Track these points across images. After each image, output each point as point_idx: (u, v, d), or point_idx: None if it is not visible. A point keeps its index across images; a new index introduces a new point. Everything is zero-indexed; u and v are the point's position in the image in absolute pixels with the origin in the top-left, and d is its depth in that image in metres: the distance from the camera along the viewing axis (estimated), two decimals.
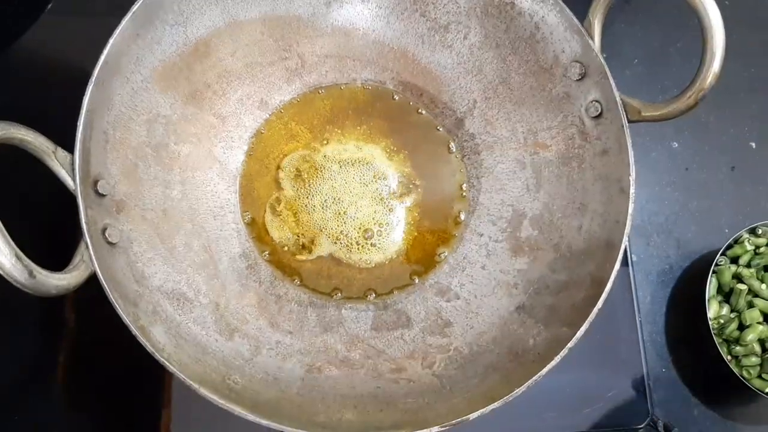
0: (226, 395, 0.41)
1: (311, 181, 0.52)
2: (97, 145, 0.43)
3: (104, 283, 0.40)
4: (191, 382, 0.40)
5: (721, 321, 0.51)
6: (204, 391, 0.40)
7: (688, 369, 0.54)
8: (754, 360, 0.50)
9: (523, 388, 0.39)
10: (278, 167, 0.52)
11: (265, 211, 0.51)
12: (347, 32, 0.52)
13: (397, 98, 0.54)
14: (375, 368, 0.47)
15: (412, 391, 0.45)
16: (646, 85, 0.61)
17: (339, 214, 0.51)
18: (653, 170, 0.59)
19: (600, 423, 0.52)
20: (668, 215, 0.58)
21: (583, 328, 0.40)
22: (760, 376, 0.50)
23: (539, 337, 0.44)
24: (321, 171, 0.52)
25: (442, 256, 0.52)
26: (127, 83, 0.44)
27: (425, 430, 0.39)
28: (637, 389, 0.53)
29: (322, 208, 0.52)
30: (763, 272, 0.52)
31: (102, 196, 0.43)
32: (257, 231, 0.51)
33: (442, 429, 0.39)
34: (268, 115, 0.53)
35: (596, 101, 0.45)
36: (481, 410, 0.39)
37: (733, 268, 0.52)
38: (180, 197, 0.49)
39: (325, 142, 0.53)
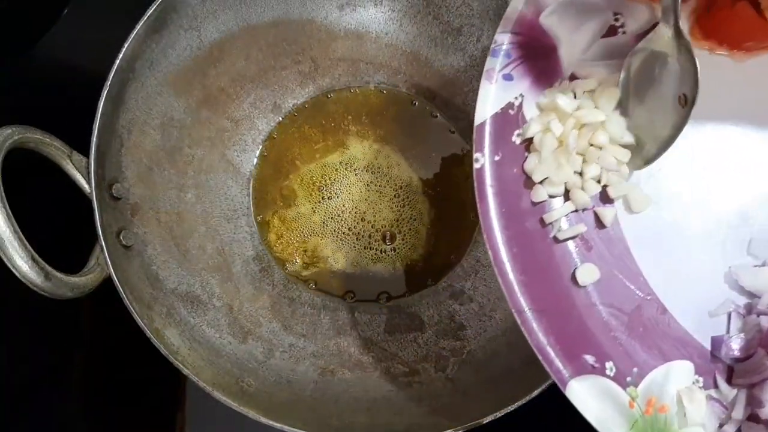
0: (239, 398, 0.41)
1: (325, 185, 0.52)
2: (112, 149, 0.43)
3: (119, 286, 0.40)
4: (205, 385, 0.40)
5: None
6: (218, 394, 0.40)
7: None
8: None
9: (536, 392, 0.39)
10: (292, 170, 0.52)
11: (277, 215, 0.52)
12: (360, 35, 0.52)
13: (410, 101, 0.53)
14: (388, 371, 0.47)
15: (426, 394, 0.45)
16: None
17: (356, 219, 0.51)
18: None
19: None
20: None
21: None
22: None
23: None
24: (335, 175, 0.52)
25: (455, 259, 0.51)
26: (142, 87, 0.45)
27: None
28: None
29: (336, 214, 0.52)
30: None
31: (117, 199, 0.43)
32: (270, 235, 0.51)
33: None
34: (281, 119, 0.53)
35: None
36: (494, 414, 0.39)
37: None
38: (194, 200, 0.49)
39: (338, 145, 0.53)
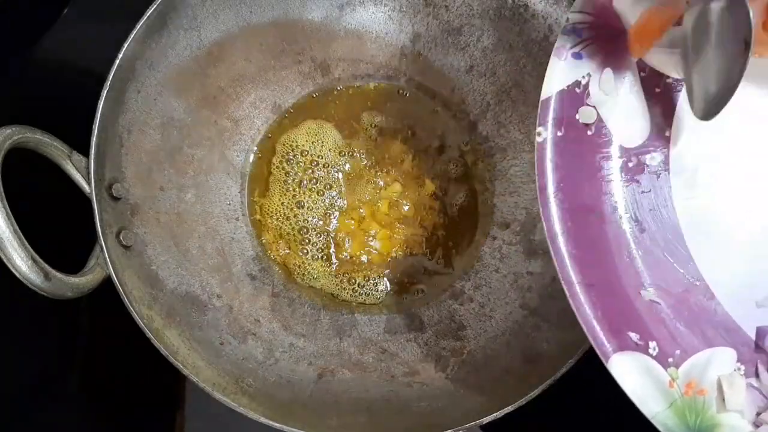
0: (239, 398, 0.41)
1: (325, 185, 0.52)
2: (111, 149, 0.43)
3: (119, 286, 0.40)
4: (205, 385, 0.40)
5: None
6: (217, 394, 0.40)
7: None
8: None
9: (536, 392, 0.39)
10: (292, 170, 0.52)
11: (276, 215, 0.52)
12: (360, 35, 0.52)
13: (410, 101, 0.53)
14: (388, 371, 0.47)
15: (426, 394, 0.45)
16: None
17: (355, 220, 0.51)
18: None
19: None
20: None
21: None
22: None
23: (553, 341, 0.44)
24: (334, 175, 0.52)
25: (456, 258, 0.51)
26: (142, 87, 0.45)
27: None
28: None
29: (336, 214, 0.52)
30: None
31: (117, 199, 0.43)
32: (267, 235, 0.51)
33: None
34: (281, 118, 0.53)
35: None
36: (494, 414, 0.39)
37: None
38: (194, 200, 0.49)
39: (338, 145, 0.53)
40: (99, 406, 0.51)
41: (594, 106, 0.36)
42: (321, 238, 0.51)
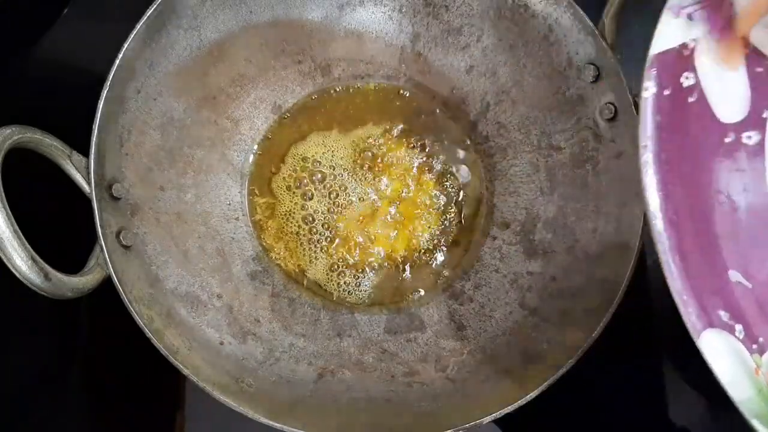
0: (239, 398, 0.41)
1: (325, 185, 0.52)
2: (111, 149, 0.43)
3: (119, 286, 0.40)
4: (205, 385, 0.40)
5: None
6: (217, 394, 0.40)
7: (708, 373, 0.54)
8: None
9: (536, 392, 0.39)
10: (291, 171, 0.52)
11: (275, 216, 0.52)
12: (360, 35, 0.52)
13: (410, 101, 0.53)
14: (388, 371, 0.47)
15: (426, 394, 0.45)
16: None
17: (355, 220, 0.51)
18: None
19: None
20: None
21: (596, 333, 0.40)
22: None
23: (553, 341, 0.44)
24: (334, 175, 0.52)
25: (456, 259, 0.51)
26: (142, 87, 0.45)
27: None
28: (652, 389, 0.52)
29: (336, 214, 0.52)
30: None
31: (117, 199, 0.43)
32: (266, 236, 0.51)
33: None
34: (281, 118, 0.53)
35: (610, 103, 0.44)
36: (494, 414, 0.39)
37: None
38: (194, 200, 0.49)
39: (338, 144, 0.53)
40: (99, 407, 0.51)
41: (697, 73, 0.35)
42: (322, 239, 0.51)
